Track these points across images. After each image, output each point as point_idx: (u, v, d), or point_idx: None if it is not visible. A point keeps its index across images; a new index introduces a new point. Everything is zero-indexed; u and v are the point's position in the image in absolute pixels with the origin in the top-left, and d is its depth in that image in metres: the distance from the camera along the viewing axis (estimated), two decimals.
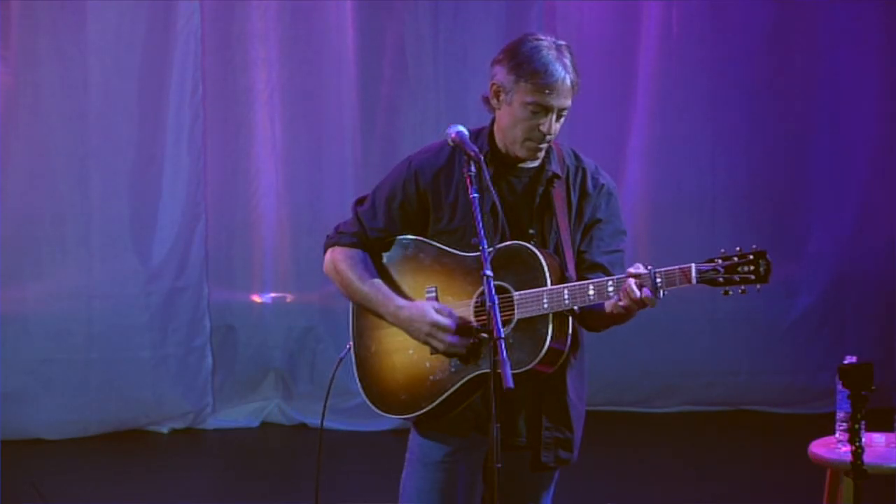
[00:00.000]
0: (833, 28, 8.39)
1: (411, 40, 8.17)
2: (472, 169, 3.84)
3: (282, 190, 8.29)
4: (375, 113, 8.23)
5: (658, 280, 3.75)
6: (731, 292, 3.74)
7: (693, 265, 3.73)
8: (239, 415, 8.32)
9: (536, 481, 4.11)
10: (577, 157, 4.08)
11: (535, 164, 4.00)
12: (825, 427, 5.35)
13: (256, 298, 8.39)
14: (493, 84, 3.94)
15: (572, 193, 4.02)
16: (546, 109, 3.88)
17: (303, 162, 8.29)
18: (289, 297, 8.35)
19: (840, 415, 5.14)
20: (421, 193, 4.01)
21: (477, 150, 3.88)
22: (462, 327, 3.92)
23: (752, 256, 3.72)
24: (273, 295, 8.38)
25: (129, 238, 8.08)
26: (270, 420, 8.35)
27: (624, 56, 8.43)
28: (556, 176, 3.99)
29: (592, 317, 3.95)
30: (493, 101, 3.96)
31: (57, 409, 7.99)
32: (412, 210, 4.03)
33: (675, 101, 8.42)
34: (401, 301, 3.98)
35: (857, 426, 4.12)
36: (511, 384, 3.55)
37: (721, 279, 3.73)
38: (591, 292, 3.82)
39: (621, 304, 3.78)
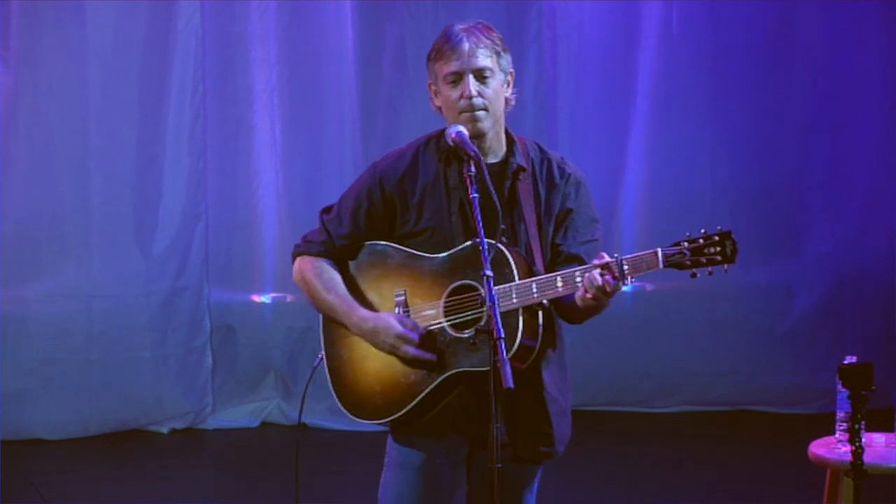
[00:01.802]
0: (833, 28, 8.40)
1: (411, 40, 8.17)
2: (472, 169, 3.85)
3: (282, 190, 8.30)
4: (375, 113, 8.23)
5: (625, 267, 3.75)
6: (698, 275, 3.75)
7: (659, 249, 3.75)
8: (239, 415, 8.33)
9: (518, 478, 4.08)
10: (541, 149, 4.09)
11: (498, 159, 4.00)
12: (825, 427, 5.35)
13: (256, 298, 8.40)
14: (429, 85, 4.03)
15: (539, 186, 4.02)
16: (460, 75, 3.93)
17: (303, 162, 8.29)
18: (289, 297, 8.35)
19: (840, 415, 5.13)
20: (387, 198, 4.03)
21: (477, 150, 3.90)
22: (426, 337, 3.93)
23: (717, 238, 3.76)
24: (273, 295, 8.38)
25: (129, 238, 8.08)
26: (270, 420, 8.35)
27: (624, 56, 8.43)
28: (521, 168, 4.00)
29: (567, 309, 3.95)
30: (435, 101, 4.02)
31: (57, 409, 7.99)
32: (379, 216, 4.04)
33: (675, 100, 8.42)
34: (364, 312, 3.99)
35: (857, 426, 4.12)
36: (511, 384, 3.55)
37: (688, 262, 3.75)
38: (559, 284, 3.83)
39: (588, 295, 3.78)
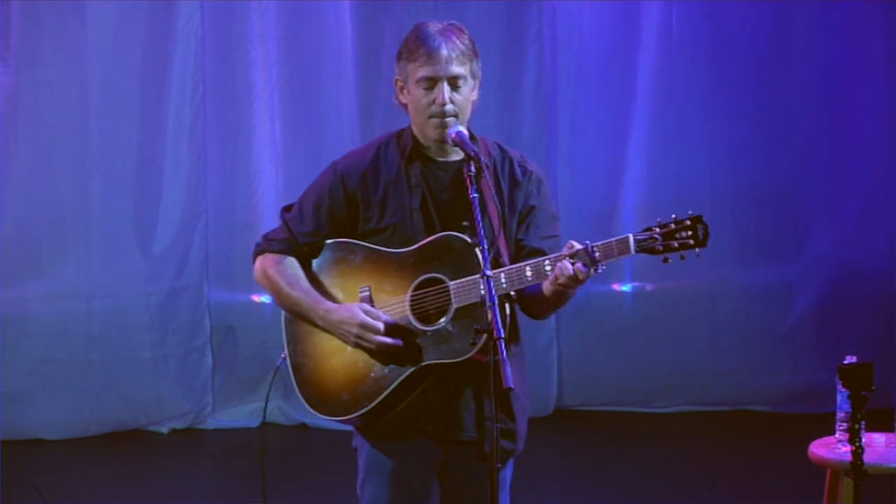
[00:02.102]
0: (833, 28, 8.39)
1: None
2: (472, 169, 3.86)
3: (282, 190, 8.30)
4: (375, 113, 8.23)
5: (596, 254, 3.77)
6: (670, 260, 3.78)
7: (630, 235, 3.77)
8: (239, 415, 8.32)
9: (487, 477, 4.07)
10: (501, 148, 4.10)
11: (461, 156, 3.99)
12: (825, 427, 5.35)
13: (256, 298, 8.39)
14: (396, 80, 4.02)
15: (502, 183, 4.04)
16: (434, 80, 3.93)
17: (303, 162, 8.29)
18: None
19: (840, 415, 5.13)
20: (350, 195, 4.02)
21: (477, 150, 3.91)
22: (392, 327, 3.93)
23: (688, 222, 3.79)
24: None
25: (129, 238, 8.08)
26: (270, 420, 8.35)
27: (624, 56, 8.42)
28: (486, 166, 3.99)
29: (531, 302, 3.95)
30: (401, 97, 4.02)
31: (57, 409, 7.99)
32: (341, 214, 4.04)
33: (675, 101, 8.42)
34: (329, 304, 3.99)
35: (857, 426, 4.12)
36: (511, 384, 3.56)
37: (660, 247, 3.78)
38: (529, 273, 3.84)
39: (559, 282, 3.78)
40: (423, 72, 3.93)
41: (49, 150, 7.96)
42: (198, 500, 6.99)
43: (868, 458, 4.22)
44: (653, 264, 3.88)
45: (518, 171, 4.07)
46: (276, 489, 7.12)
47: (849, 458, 4.18)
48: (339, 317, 3.96)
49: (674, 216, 3.79)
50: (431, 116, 3.95)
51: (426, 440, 4.00)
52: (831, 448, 5.14)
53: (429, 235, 3.96)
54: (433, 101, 3.93)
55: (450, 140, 3.94)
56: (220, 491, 7.27)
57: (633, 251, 3.77)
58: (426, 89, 3.94)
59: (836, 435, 5.16)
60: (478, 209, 3.81)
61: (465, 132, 3.94)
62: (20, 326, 7.98)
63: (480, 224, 3.78)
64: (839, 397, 5.08)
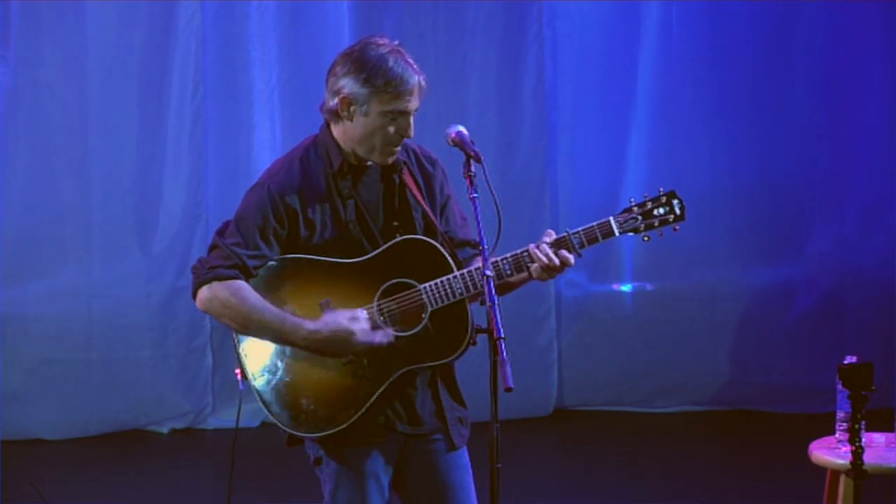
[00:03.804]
0: (833, 28, 8.39)
1: (411, 40, 8.16)
2: (473, 169, 3.85)
3: None
4: None
5: (576, 240, 3.85)
6: (649, 237, 3.89)
7: (611, 218, 3.87)
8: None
9: (456, 463, 4.07)
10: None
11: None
12: (825, 427, 5.35)
13: None
14: (345, 97, 3.90)
15: (417, 177, 4.02)
16: (406, 114, 3.89)
17: None
18: None
19: (840, 415, 5.14)
20: (290, 212, 3.96)
21: (477, 151, 3.90)
22: (375, 325, 3.89)
23: (664, 198, 3.92)
24: None
25: (129, 238, 8.08)
26: (270, 420, 8.29)
27: (624, 56, 8.43)
28: (404, 164, 3.99)
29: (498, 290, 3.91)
30: (344, 113, 3.93)
31: (57, 409, 7.99)
32: (283, 232, 3.96)
33: (675, 100, 8.42)
34: (311, 324, 3.88)
35: (857, 426, 4.12)
36: (512, 384, 3.55)
37: (642, 226, 3.89)
38: (509, 269, 3.87)
39: (547, 272, 3.83)
40: (398, 105, 3.88)
41: (49, 150, 7.96)
42: (198, 500, 6.99)
43: (868, 458, 4.22)
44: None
45: (425, 162, 4.06)
46: (277, 489, 7.12)
47: (849, 458, 4.19)
48: (330, 334, 3.86)
49: (646, 195, 3.90)
50: (390, 144, 3.91)
51: (393, 436, 3.99)
52: (831, 448, 5.15)
53: (368, 243, 3.92)
54: (397, 131, 3.89)
55: (449, 140, 3.94)
56: (220, 491, 7.27)
57: (617, 233, 3.87)
58: (392, 119, 3.89)
59: (836, 435, 5.16)
60: (479, 209, 3.80)
61: (465, 132, 3.94)
62: (20, 326, 7.98)
63: (480, 225, 3.78)
64: (839, 397, 5.08)
